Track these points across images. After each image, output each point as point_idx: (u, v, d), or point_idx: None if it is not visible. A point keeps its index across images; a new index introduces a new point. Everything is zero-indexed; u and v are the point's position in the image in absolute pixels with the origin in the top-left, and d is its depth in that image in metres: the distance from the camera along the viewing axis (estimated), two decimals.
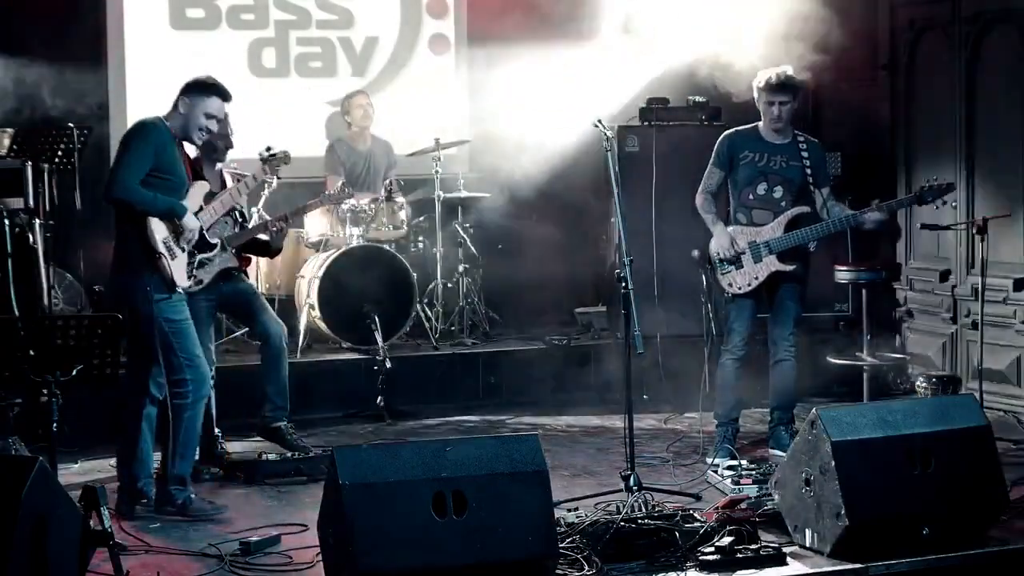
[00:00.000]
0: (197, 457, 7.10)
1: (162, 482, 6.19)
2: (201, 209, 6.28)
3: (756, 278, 7.01)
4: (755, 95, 7.08)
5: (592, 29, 9.33)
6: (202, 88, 6.23)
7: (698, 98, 9.25)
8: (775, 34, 8.49)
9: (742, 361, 7.13)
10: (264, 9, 9.90)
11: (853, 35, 9.27)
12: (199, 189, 6.31)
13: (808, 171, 7.03)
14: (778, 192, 7.05)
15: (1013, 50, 8.34)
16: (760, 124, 7.13)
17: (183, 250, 6.12)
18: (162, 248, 5.99)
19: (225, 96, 6.29)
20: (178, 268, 6.08)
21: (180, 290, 6.13)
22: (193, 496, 6.17)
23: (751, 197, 7.06)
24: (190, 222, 6.10)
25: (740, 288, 7.03)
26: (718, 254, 7.03)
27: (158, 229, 6.02)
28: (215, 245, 6.42)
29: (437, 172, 9.30)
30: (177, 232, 6.08)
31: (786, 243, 6.98)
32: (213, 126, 6.24)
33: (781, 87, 6.97)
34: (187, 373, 6.07)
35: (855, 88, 9.65)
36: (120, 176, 5.98)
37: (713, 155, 7.15)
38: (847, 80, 9.56)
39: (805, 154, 7.05)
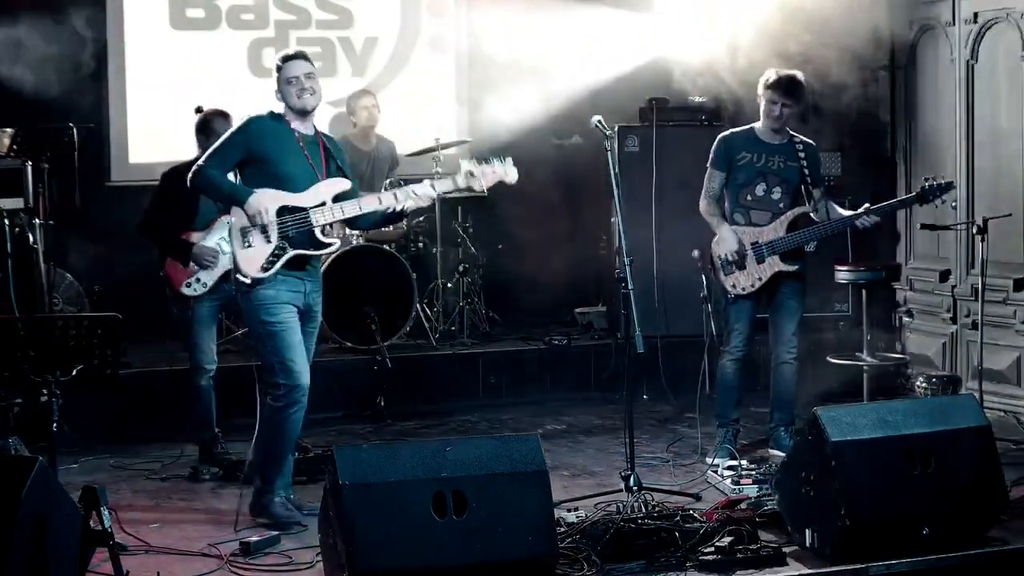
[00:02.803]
0: (198, 457, 7.18)
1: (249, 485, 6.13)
2: (323, 204, 5.99)
3: (760, 279, 7.00)
4: (759, 92, 7.06)
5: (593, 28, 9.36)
6: (279, 65, 6.07)
7: (698, 98, 9.25)
8: (775, 34, 8.51)
9: (742, 362, 7.14)
10: (264, 9, 9.91)
11: (853, 35, 9.28)
12: (329, 186, 6.03)
13: (806, 171, 7.02)
14: (776, 193, 7.04)
15: (1013, 50, 8.33)
16: (756, 125, 7.12)
17: (268, 240, 5.92)
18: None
19: (299, 55, 6.08)
20: (247, 257, 5.93)
21: (264, 284, 5.95)
22: (277, 500, 6.04)
23: (749, 198, 7.05)
24: (249, 207, 5.91)
25: (744, 289, 7.02)
26: (723, 256, 7.01)
27: (236, 218, 5.95)
28: (329, 244, 6.06)
29: (437, 172, 9.29)
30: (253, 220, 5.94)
31: (789, 243, 6.98)
32: (303, 84, 5.98)
33: (789, 90, 6.95)
34: (280, 377, 5.95)
35: (855, 88, 9.65)
36: (199, 163, 6.02)
37: (711, 158, 7.14)
38: (847, 80, 9.55)
39: (802, 154, 7.05)
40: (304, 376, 5.99)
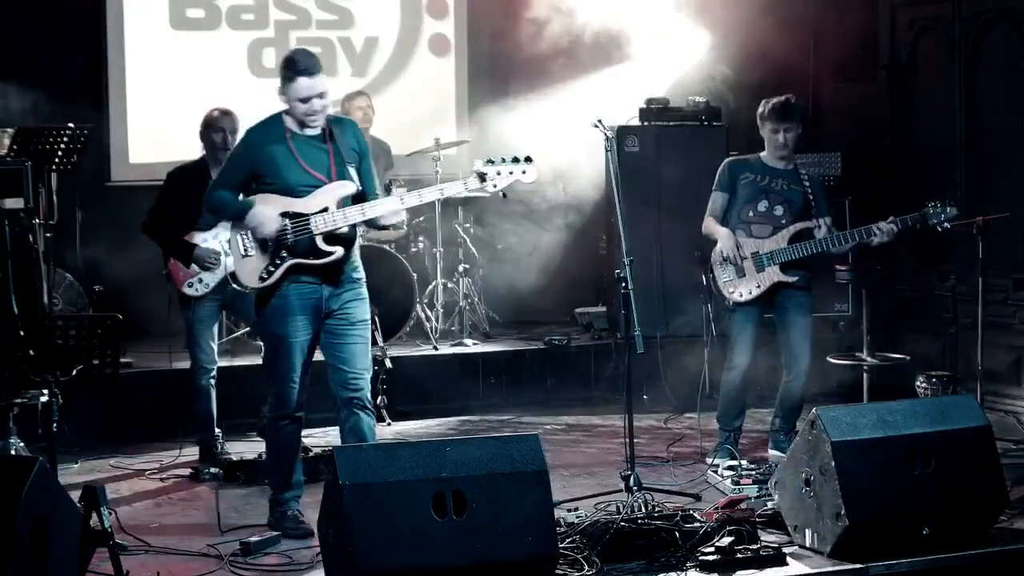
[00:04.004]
0: (198, 457, 7.19)
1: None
2: (325, 210, 5.69)
3: (758, 286, 6.95)
4: (759, 123, 7.03)
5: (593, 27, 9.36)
6: (284, 74, 5.69)
7: (698, 98, 9.26)
8: (775, 34, 8.52)
9: (745, 377, 7.07)
10: (264, 9, 9.91)
11: (853, 35, 9.29)
12: (333, 191, 5.72)
13: (810, 195, 7.00)
14: (779, 210, 6.99)
15: (1013, 50, 8.34)
16: (762, 154, 7.09)
17: (266, 249, 5.70)
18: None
19: (308, 71, 5.66)
20: (244, 266, 5.78)
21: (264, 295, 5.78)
22: (289, 514, 5.92)
23: (751, 214, 7.00)
24: (249, 219, 5.70)
25: (742, 296, 6.98)
26: (721, 258, 6.97)
27: (236, 226, 5.80)
28: (330, 253, 5.72)
29: (437, 172, 9.29)
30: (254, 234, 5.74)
31: (789, 255, 6.92)
32: (316, 105, 5.67)
33: (787, 114, 6.93)
34: (271, 390, 5.87)
35: (855, 88, 9.66)
36: (209, 187, 5.89)
37: (715, 181, 7.11)
38: (847, 80, 9.57)
39: (806, 182, 7.03)
40: (295, 394, 5.80)
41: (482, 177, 5.77)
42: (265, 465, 6.17)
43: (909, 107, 9.32)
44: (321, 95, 5.70)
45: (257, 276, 5.76)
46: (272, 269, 5.74)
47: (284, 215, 5.72)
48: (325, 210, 5.71)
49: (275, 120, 5.81)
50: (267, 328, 5.86)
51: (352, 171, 5.81)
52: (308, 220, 5.70)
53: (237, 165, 5.86)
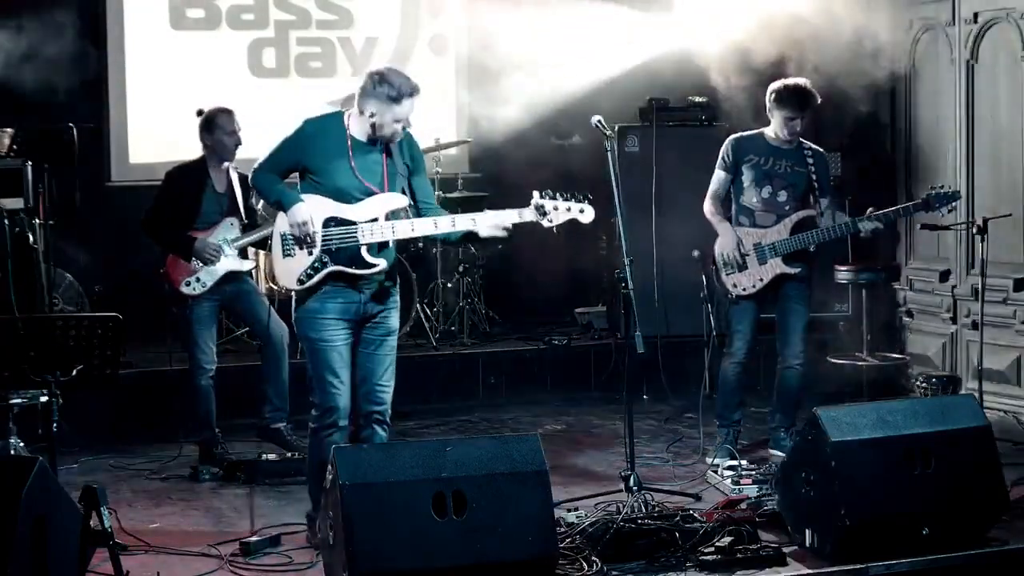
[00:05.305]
0: (198, 457, 7.19)
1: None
2: (375, 220, 5.55)
3: (761, 280, 6.97)
4: (770, 103, 6.99)
5: (592, 27, 9.35)
6: (384, 92, 5.48)
7: (698, 98, 9.26)
8: (775, 34, 8.51)
9: (744, 366, 7.09)
10: (264, 9, 9.90)
11: (853, 35, 9.27)
12: (383, 202, 5.58)
13: (813, 177, 6.99)
14: (782, 196, 7.00)
15: (1013, 50, 8.34)
16: (766, 130, 7.07)
17: (310, 252, 5.54)
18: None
19: (413, 93, 5.52)
20: (284, 266, 5.62)
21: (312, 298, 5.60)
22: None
23: (755, 200, 7.02)
24: (291, 216, 5.51)
25: (745, 289, 6.99)
26: (723, 255, 6.98)
27: (281, 223, 5.63)
28: (373, 265, 5.58)
29: (437, 172, 9.30)
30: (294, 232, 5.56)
31: (792, 245, 6.94)
32: (406, 125, 5.58)
33: (803, 103, 6.90)
34: (315, 396, 5.61)
35: (855, 88, 9.64)
36: (254, 166, 5.64)
37: (719, 160, 7.11)
38: (847, 80, 9.55)
39: (811, 161, 7.01)
40: (339, 399, 5.57)
41: (540, 210, 5.74)
42: (307, 477, 5.85)
43: (909, 107, 9.32)
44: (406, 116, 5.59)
45: (296, 278, 5.61)
46: (311, 273, 5.58)
47: (331, 220, 5.57)
48: (374, 220, 5.58)
49: (337, 120, 5.64)
50: (306, 333, 5.64)
51: (404, 184, 5.70)
52: (356, 228, 5.56)
53: (288, 153, 5.63)
